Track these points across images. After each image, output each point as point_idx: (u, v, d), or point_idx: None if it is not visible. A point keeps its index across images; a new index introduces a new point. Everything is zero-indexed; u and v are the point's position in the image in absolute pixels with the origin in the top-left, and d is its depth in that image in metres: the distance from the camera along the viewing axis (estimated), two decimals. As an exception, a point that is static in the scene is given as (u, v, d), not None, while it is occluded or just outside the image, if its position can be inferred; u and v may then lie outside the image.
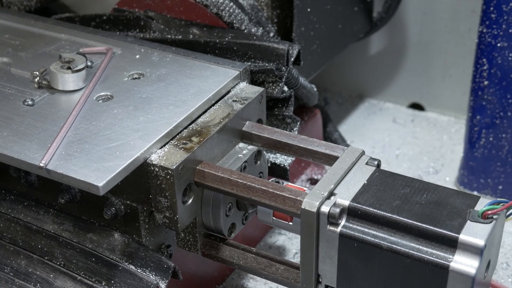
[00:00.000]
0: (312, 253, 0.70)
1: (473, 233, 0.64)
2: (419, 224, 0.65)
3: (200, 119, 0.79)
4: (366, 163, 0.74)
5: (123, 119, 0.77)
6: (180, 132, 0.77)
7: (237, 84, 0.85)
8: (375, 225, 0.67)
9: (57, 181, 0.72)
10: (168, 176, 0.71)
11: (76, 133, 0.75)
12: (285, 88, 0.92)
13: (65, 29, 0.96)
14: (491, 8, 1.04)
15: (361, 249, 0.67)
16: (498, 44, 1.05)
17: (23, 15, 1.02)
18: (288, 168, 0.93)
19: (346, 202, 0.68)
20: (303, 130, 1.11)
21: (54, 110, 0.79)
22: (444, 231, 0.64)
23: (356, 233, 0.67)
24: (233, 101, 0.82)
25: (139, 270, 0.74)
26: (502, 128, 1.10)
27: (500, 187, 1.14)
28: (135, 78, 0.85)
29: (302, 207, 0.69)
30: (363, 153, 0.76)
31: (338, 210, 0.68)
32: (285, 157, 0.94)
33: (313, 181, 1.15)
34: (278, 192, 0.72)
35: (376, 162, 0.74)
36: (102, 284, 0.73)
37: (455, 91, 1.34)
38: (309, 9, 1.04)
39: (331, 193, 0.70)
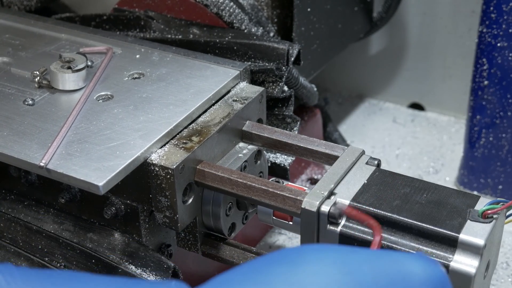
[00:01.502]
0: (312, 253, 0.70)
1: (473, 233, 0.64)
2: (419, 223, 0.65)
3: (200, 119, 0.79)
4: (366, 163, 0.74)
5: (123, 118, 0.77)
6: (180, 131, 0.77)
7: (237, 83, 0.85)
8: (375, 225, 0.67)
9: (57, 181, 0.72)
10: (168, 176, 0.71)
11: (76, 132, 0.75)
12: (285, 88, 0.92)
13: (65, 29, 0.96)
14: (491, 8, 1.04)
15: (361, 248, 0.67)
16: (498, 44, 1.05)
17: (23, 15, 1.02)
18: (288, 167, 0.93)
19: (346, 202, 0.68)
20: (303, 130, 1.11)
21: (54, 110, 0.79)
22: (444, 231, 0.64)
23: (356, 233, 0.67)
24: (233, 100, 0.82)
25: (139, 270, 0.74)
26: (502, 128, 1.10)
27: (500, 187, 1.14)
28: (135, 77, 0.85)
29: (302, 206, 0.69)
30: (363, 152, 0.76)
31: (337, 212, 0.68)
32: (285, 156, 0.94)
33: (313, 181, 1.15)
34: (278, 192, 0.72)
35: (376, 162, 0.74)
36: (102, 283, 0.73)
37: (455, 91, 1.34)
38: (309, 9, 1.04)
39: (331, 193, 0.70)
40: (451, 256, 0.64)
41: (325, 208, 0.68)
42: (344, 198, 0.69)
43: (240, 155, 0.81)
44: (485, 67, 1.07)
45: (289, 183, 0.77)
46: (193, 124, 0.78)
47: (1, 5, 1.08)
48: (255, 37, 0.92)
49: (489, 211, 0.65)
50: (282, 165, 0.93)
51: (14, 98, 0.81)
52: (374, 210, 0.67)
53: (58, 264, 0.75)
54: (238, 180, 0.74)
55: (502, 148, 1.11)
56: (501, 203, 0.65)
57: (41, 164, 0.70)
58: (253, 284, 0.46)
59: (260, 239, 1.06)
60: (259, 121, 0.85)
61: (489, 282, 0.70)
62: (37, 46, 0.92)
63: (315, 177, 1.16)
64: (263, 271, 0.47)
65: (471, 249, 0.63)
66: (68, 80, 0.81)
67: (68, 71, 0.81)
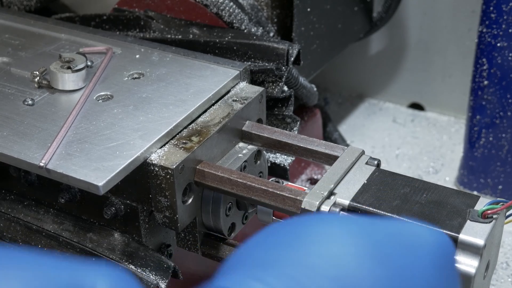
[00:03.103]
0: (312, 253, 0.70)
1: (472, 233, 0.64)
2: (419, 223, 0.65)
3: (200, 119, 0.79)
4: (366, 163, 0.74)
5: (123, 118, 0.77)
6: (180, 131, 0.77)
7: (237, 83, 0.85)
8: (375, 225, 0.67)
9: (57, 181, 0.72)
10: (168, 176, 0.71)
11: (76, 132, 0.75)
12: (285, 88, 0.92)
13: (65, 29, 0.96)
14: (491, 8, 1.04)
15: (361, 248, 0.67)
16: (498, 44, 1.05)
17: (23, 15, 1.02)
18: (288, 167, 0.93)
19: (346, 202, 0.68)
20: (303, 130, 1.11)
21: (54, 110, 0.79)
22: (444, 231, 0.64)
23: (356, 233, 0.67)
24: (233, 100, 0.82)
25: (139, 270, 0.74)
26: (502, 128, 1.10)
27: (500, 187, 1.14)
28: (135, 77, 0.85)
29: (302, 206, 0.69)
30: (363, 152, 0.76)
31: (337, 209, 0.68)
32: (285, 156, 0.94)
33: (313, 181, 1.15)
34: (278, 192, 0.72)
35: (376, 162, 0.74)
36: (102, 284, 0.73)
37: (455, 91, 1.34)
38: (309, 9, 1.04)
39: (331, 193, 0.70)
40: (450, 256, 0.64)
41: (325, 208, 0.68)
42: (343, 198, 0.69)
43: (240, 155, 0.80)
44: (485, 67, 1.07)
45: (289, 183, 0.77)
46: (193, 124, 0.78)
47: (1, 5, 1.08)
48: (255, 37, 0.92)
49: (489, 211, 0.65)
50: (282, 165, 0.94)
51: (14, 98, 0.81)
52: (374, 210, 0.67)
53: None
54: (238, 180, 0.74)
55: (502, 148, 1.11)
56: (501, 203, 0.65)
57: (41, 164, 0.70)
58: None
59: (260, 239, 1.06)
60: (259, 121, 0.85)
61: (489, 282, 0.70)
62: (37, 46, 0.92)
63: (315, 177, 1.16)
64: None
65: (471, 249, 0.63)
66: (68, 80, 0.81)
67: (68, 71, 0.81)
